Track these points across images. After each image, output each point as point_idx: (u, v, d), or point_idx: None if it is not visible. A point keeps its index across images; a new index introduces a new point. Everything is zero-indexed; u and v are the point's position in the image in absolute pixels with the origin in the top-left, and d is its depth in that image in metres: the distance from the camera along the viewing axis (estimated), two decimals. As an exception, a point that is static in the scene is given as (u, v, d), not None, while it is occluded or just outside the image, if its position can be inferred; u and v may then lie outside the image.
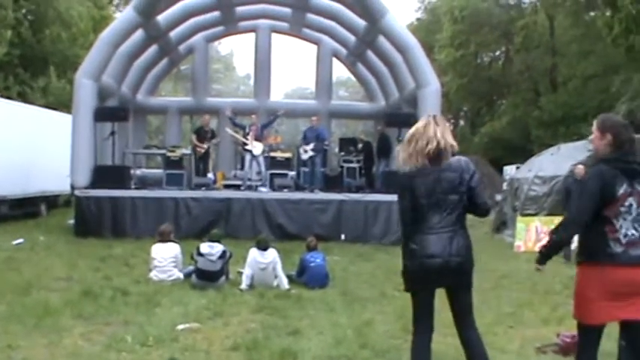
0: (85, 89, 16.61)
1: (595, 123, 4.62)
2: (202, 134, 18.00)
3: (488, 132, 38.43)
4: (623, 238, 4.38)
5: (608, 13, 22.64)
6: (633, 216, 4.41)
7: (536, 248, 14.99)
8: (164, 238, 10.41)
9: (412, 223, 4.65)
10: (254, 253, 9.82)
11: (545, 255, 4.68)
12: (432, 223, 4.59)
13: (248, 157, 17.36)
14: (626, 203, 4.40)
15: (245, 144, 17.27)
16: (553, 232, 4.62)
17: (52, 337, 6.68)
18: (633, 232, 4.40)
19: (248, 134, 17.23)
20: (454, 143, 4.66)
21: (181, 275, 10.17)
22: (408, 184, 4.65)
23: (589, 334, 4.54)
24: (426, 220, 4.60)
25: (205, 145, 17.87)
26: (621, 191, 4.39)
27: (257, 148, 17.09)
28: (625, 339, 4.66)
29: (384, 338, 6.99)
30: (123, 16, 18.63)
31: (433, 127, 4.65)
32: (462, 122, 48.32)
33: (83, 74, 16.74)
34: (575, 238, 4.80)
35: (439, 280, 4.63)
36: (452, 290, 4.74)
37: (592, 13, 32.59)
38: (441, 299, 4.78)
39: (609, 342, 4.89)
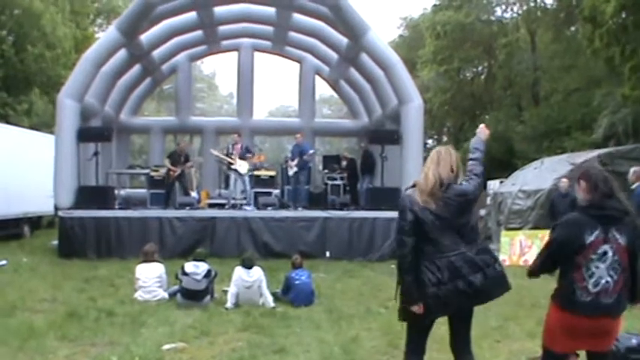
0: (68, 109, 16.57)
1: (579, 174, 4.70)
2: (176, 158, 17.68)
3: (471, 147, 38.55)
4: (593, 287, 4.37)
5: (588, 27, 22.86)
6: (608, 263, 4.38)
7: (521, 262, 15.10)
8: (148, 258, 10.36)
9: (413, 245, 4.55)
10: (239, 272, 9.79)
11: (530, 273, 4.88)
12: (442, 247, 4.52)
13: (233, 175, 17.30)
14: (599, 250, 4.38)
15: (231, 164, 17.18)
16: (535, 260, 4.78)
17: (37, 358, 6.64)
18: (608, 279, 4.37)
19: (232, 153, 17.17)
20: (451, 175, 4.67)
21: (166, 295, 10.13)
22: (410, 206, 4.59)
23: (550, 357, 4.70)
24: (436, 244, 4.53)
25: (178, 169, 17.51)
26: (591, 238, 4.37)
27: (243, 167, 17.04)
28: None
29: (370, 354, 6.98)
30: (106, 35, 18.63)
31: (433, 169, 4.66)
32: (445, 138, 48.42)
33: (66, 94, 16.70)
34: None
35: (454, 305, 4.56)
36: (458, 315, 4.71)
37: (572, 28, 32.86)
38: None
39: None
